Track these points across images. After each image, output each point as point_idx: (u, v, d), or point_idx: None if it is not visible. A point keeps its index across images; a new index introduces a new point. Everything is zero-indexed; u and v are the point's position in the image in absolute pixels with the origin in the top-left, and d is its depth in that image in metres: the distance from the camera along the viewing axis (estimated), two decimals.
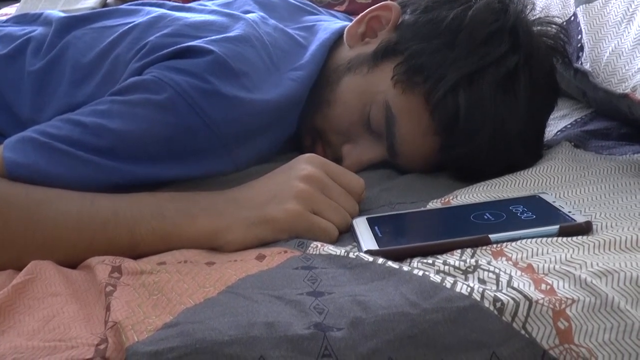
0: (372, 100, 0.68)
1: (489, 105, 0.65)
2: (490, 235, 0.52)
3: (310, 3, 0.89)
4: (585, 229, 0.53)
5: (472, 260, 0.49)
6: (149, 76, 0.62)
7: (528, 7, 0.71)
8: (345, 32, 0.74)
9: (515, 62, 0.66)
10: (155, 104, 0.60)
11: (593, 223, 0.54)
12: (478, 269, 0.47)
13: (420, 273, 0.47)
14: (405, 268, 0.48)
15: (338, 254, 0.51)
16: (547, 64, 0.71)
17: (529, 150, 0.70)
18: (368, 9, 0.75)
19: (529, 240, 0.52)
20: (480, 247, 0.52)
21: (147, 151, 0.60)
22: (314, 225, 0.56)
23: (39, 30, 0.76)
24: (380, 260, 0.49)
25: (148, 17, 0.72)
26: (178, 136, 0.61)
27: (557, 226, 0.53)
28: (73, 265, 0.55)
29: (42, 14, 0.81)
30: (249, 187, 0.60)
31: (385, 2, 0.75)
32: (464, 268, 0.48)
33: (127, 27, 0.71)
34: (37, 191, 0.57)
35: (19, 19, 0.83)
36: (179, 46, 0.64)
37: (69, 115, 0.61)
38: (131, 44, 0.68)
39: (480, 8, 0.67)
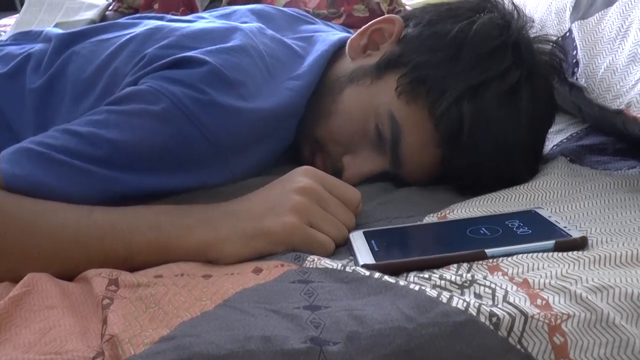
0: (375, 111, 0.68)
1: (492, 117, 0.65)
2: (486, 250, 0.52)
3: (307, 14, 0.89)
4: (580, 244, 0.53)
5: (469, 275, 0.49)
6: (144, 86, 0.62)
7: (528, 24, 0.72)
8: (347, 44, 0.74)
9: (518, 77, 0.66)
10: (152, 115, 0.60)
11: (588, 238, 0.54)
12: (474, 284, 0.48)
13: (417, 288, 0.47)
14: (402, 283, 0.48)
15: (335, 267, 0.52)
16: (547, 80, 0.72)
17: (528, 164, 0.70)
18: (371, 22, 0.75)
19: (525, 255, 0.52)
20: (476, 262, 0.52)
21: (144, 161, 0.60)
22: (310, 239, 0.56)
23: (38, 46, 0.76)
24: (377, 275, 0.49)
25: (146, 28, 0.73)
26: (175, 146, 0.61)
27: (553, 241, 0.53)
28: (69, 278, 0.55)
29: (42, 32, 0.82)
30: (246, 200, 0.60)
31: (389, 15, 0.75)
32: (460, 283, 0.48)
33: (124, 39, 0.72)
34: (34, 203, 0.57)
35: (19, 37, 0.83)
36: (174, 57, 0.64)
37: (65, 126, 0.61)
38: (129, 57, 0.69)
39: (484, 23, 0.68)
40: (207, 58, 0.62)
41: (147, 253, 0.55)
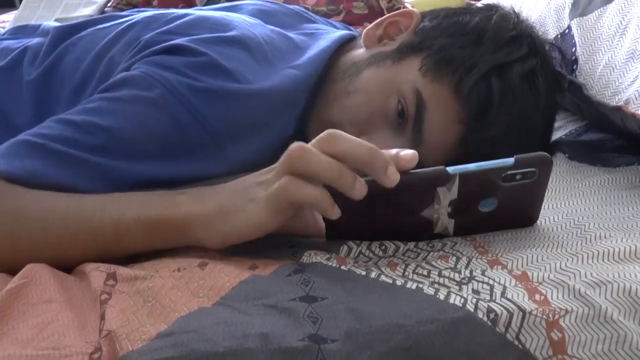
0: (397, 89, 0.68)
1: (519, 94, 0.67)
2: (447, 168, 0.51)
3: (308, 11, 0.90)
4: (543, 159, 0.52)
5: (467, 272, 0.49)
6: (137, 72, 0.62)
7: (534, 27, 0.75)
8: (363, 34, 0.75)
9: (535, 64, 0.69)
10: (146, 101, 0.60)
11: (587, 233, 0.54)
12: (473, 280, 0.48)
13: (414, 286, 0.47)
14: (399, 282, 0.47)
15: (330, 265, 0.51)
16: (556, 74, 0.74)
17: (538, 148, 0.71)
18: (390, 14, 0.76)
19: (525, 247, 0.52)
20: (475, 257, 0.52)
21: (140, 148, 0.60)
22: (303, 195, 0.50)
23: (35, 40, 0.76)
24: (373, 275, 0.49)
25: (144, 16, 0.73)
26: (170, 133, 0.60)
27: (513, 158, 0.51)
28: (63, 268, 0.54)
29: (39, 25, 0.81)
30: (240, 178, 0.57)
31: (407, 9, 0.77)
32: (458, 279, 0.48)
33: (121, 27, 0.72)
34: (25, 192, 0.56)
35: (16, 32, 0.83)
36: (168, 43, 0.64)
37: (60, 116, 0.61)
38: (126, 46, 0.68)
39: (501, 15, 0.71)
40: (203, 49, 0.62)
41: (135, 230, 0.54)
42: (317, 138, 0.51)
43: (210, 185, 0.57)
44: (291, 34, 0.74)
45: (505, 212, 0.55)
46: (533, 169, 0.52)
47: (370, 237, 0.54)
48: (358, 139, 0.50)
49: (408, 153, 0.50)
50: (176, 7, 1.41)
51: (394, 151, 0.51)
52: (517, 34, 0.70)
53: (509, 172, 0.51)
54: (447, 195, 0.52)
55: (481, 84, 0.66)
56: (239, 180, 0.55)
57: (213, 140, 0.61)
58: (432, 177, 0.51)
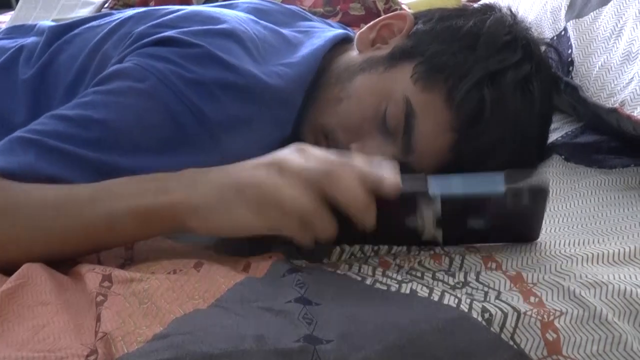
0: (389, 96, 0.68)
1: (511, 102, 0.66)
2: (429, 185, 0.49)
3: (304, 10, 0.90)
4: (538, 190, 0.49)
5: (461, 274, 0.49)
6: (129, 64, 0.62)
7: (530, 28, 0.74)
8: (356, 37, 0.75)
9: (529, 70, 0.68)
10: (139, 92, 0.60)
11: (583, 235, 0.54)
12: (466, 286, 0.47)
13: (408, 290, 0.47)
14: (393, 288, 0.47)
15: (326, 269, 0.51)
16: (552, 76, 0.73)
17: (536, 155, 0.72)
18: (382, 17, 0.76)
19: (520, 246, 0.52)
20: (469, 254, 0.52)
21: (135, 141, 0.59)
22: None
23: (31, 39, 0.76)
24: (369, 281, 0.48)
25: (137, 12, 0.73)
26: (164, 124, 0.60)
27: (504, 187, 0.48)
28: (57, 264, 0.53)
29: (35, 25, 0.81)
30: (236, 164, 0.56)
31: (400, 11, 0.76)
32: (452, 284, 0.48)
33: (114, 23, 0.72)
34: (15, 187, 0.55)
35: (11, 31, 0.83)
36: (159, 35, 0.64)
37: (54, 111, 0.61)
38: (119, 40, 0.69)
39: (496, 18, 0.71)
40: (197, 41, 0.62)
41: (128, 222, 0.53)
42: (322, 172, 0.50)
43: (209, 169, 0.55)
44: (284, 31, 0.74)
45: (499, 230, 0.53)
46: (526, 201, 0.49)
47: (360, 242, 0.54)
48: (356, 187, 0.50)
49: (391, 184, 0.50)
50: None
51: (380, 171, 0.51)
52: (511, 39, 0.69)
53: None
54: (429, 207, 0.50)
55: (473, 93, 0.65)
56: (232, 168, 0.54)
57: (207, 131, 0.61)
58: (412, 194, 0.49)
